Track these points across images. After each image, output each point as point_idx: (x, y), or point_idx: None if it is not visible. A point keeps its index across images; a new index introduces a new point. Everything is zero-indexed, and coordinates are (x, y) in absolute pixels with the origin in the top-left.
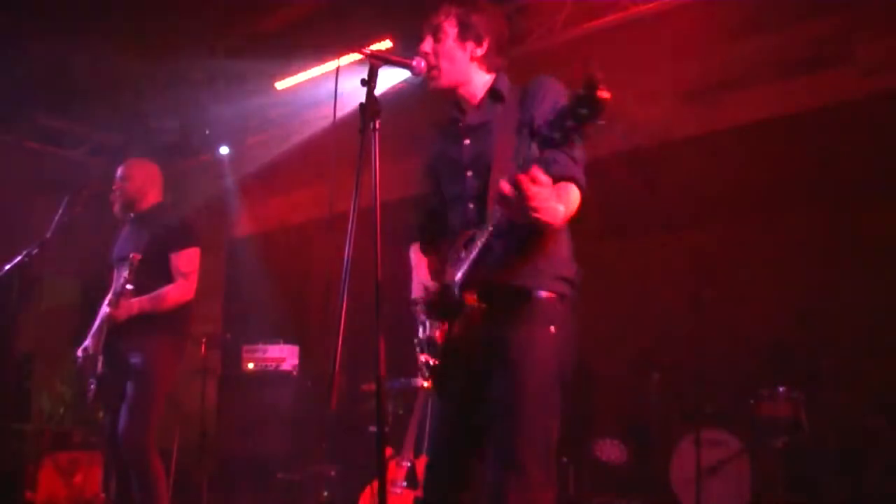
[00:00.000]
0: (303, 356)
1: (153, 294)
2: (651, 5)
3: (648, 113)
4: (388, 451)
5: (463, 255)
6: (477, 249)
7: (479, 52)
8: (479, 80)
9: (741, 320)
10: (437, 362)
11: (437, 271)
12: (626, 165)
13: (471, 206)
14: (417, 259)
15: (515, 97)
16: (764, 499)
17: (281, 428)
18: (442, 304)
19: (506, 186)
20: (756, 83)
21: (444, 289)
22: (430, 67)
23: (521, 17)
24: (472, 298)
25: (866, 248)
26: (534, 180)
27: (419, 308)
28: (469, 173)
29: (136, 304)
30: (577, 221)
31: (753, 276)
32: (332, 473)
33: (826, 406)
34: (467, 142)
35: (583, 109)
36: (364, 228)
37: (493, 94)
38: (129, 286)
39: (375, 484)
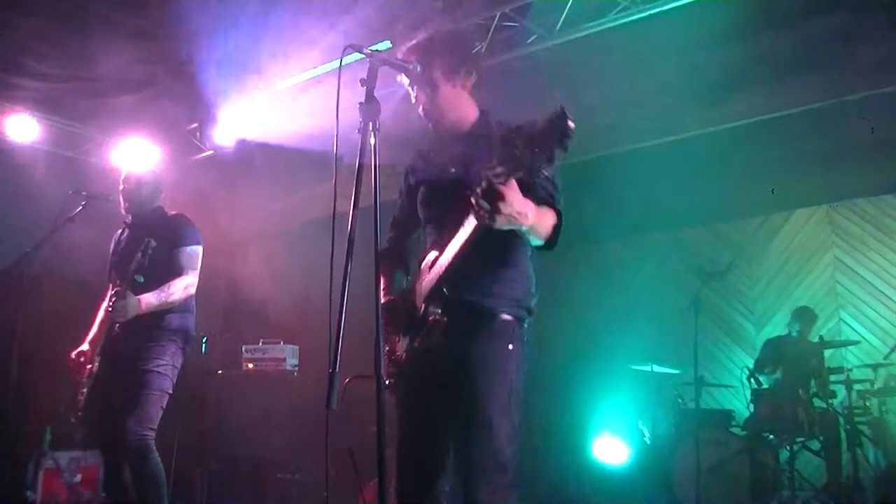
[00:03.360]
0: (303, 356)
1: (159, 290)
2: (651, 6)
3: (648, 113)
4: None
5: (430, 272)
6: (444, 265)
7: (469, 82)
8: (467, 109)
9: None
10: (394, 376)
11: (399, 287)
12: (627, 165)
13: (451, 233)
14: (385, 274)
15: (502, 133)
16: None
17: (281, 428)
18: (406, 317)
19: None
20: (756, 83)
21: (411, 304)
22: (428, 115)
23: (521, 17)
24: (434, 313)
25: None
26: (500, 181)
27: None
28: (453, 203)
29: (143, 301)
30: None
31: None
32: (333, 473)
33: None
34: (454, 171)
35: (553, 135)
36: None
37: (484, 129)
38: (139, 277)
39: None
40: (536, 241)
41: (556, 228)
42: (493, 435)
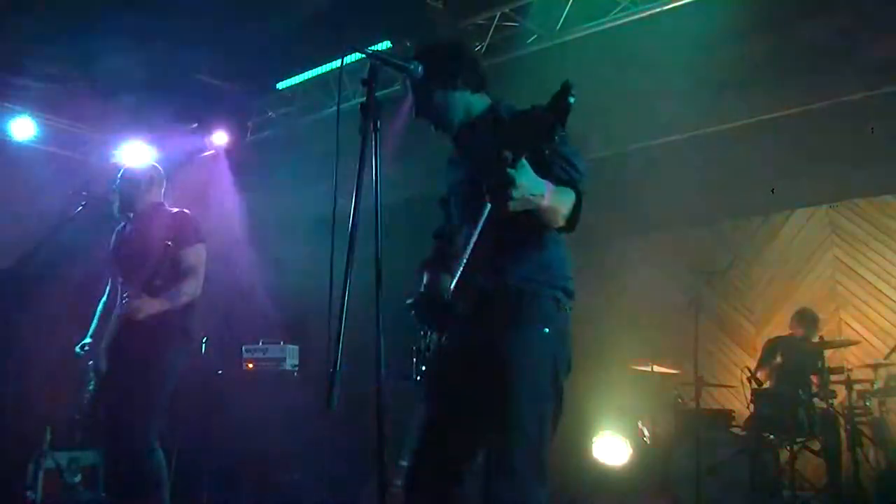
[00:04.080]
0: (303, 356)
1: (170, 292)
2: (651, 6)
3: (648, 113)
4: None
5: (455, 262)
6: (466, 252)
7: (460, 82)
8: (476, 103)
9: None
10: (427, 369)
11: (433, 283)
12: (627, 166)
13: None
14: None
15: (516, 116)
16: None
17: (281, 428)
18: (434, 310)
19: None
20: (756, 83)
21: (437, 295)
22: (436, 126)
23: (521, 17)
24: (460, 306)
25: None
26: (512, 166)
27: (414, 315)
28: (473, 198)
29: (157, 303)
30: (578, 226)
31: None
32: (332, 473)
33: None
34: (468, 166)
35: (554, 111)
36: (365, 228)
37: (493, 119)
38: (157, 280)
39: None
40: (554, 222)
41: (576, 208)
42: (522, 429)
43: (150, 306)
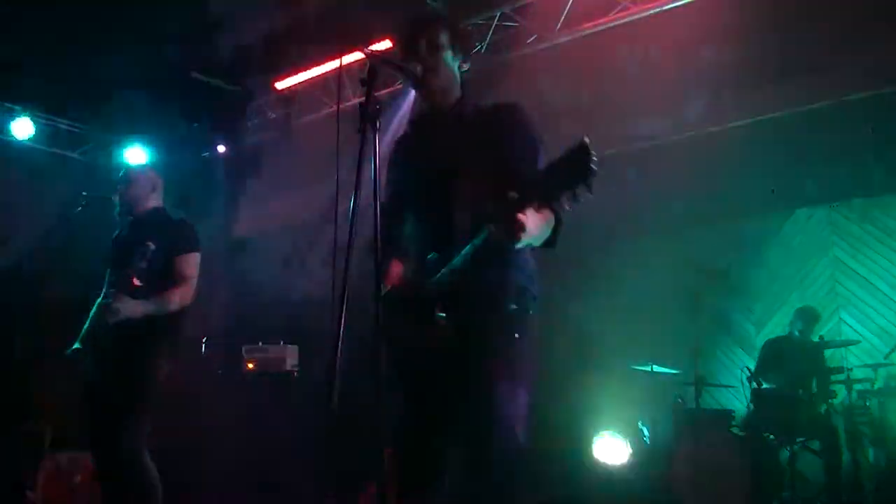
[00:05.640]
0: (303, 356)
1: (156, 297)
2: (651, 6)
3: (648, 113)
4: (389, 451)
5: (437, 267)
6: (456, 266)
7: (465, 67)
8: (455, 94)
9: None
10: (399, 367)
11: (405, 277)
12: (627, 166)
13: (439, 218)
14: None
15: (484, 114)
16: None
17: (281, 428)
18: (411, 311)
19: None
20: (756, 83)
21: (416, 298)
22: (426, 70)
23: (521, 17)
24: (441, 317)
25: None
26: (520, 209)
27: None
28: (438, 187)
29: (141, 306)
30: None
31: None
32: (333, 473)
33: None
34: (436, 156)
35: (577, 177)
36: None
37: (463, 110)
38: (135, 280)
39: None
40: (538, 244)
41: (557, 230)
42: (500, 429)
43: (130, 309)
